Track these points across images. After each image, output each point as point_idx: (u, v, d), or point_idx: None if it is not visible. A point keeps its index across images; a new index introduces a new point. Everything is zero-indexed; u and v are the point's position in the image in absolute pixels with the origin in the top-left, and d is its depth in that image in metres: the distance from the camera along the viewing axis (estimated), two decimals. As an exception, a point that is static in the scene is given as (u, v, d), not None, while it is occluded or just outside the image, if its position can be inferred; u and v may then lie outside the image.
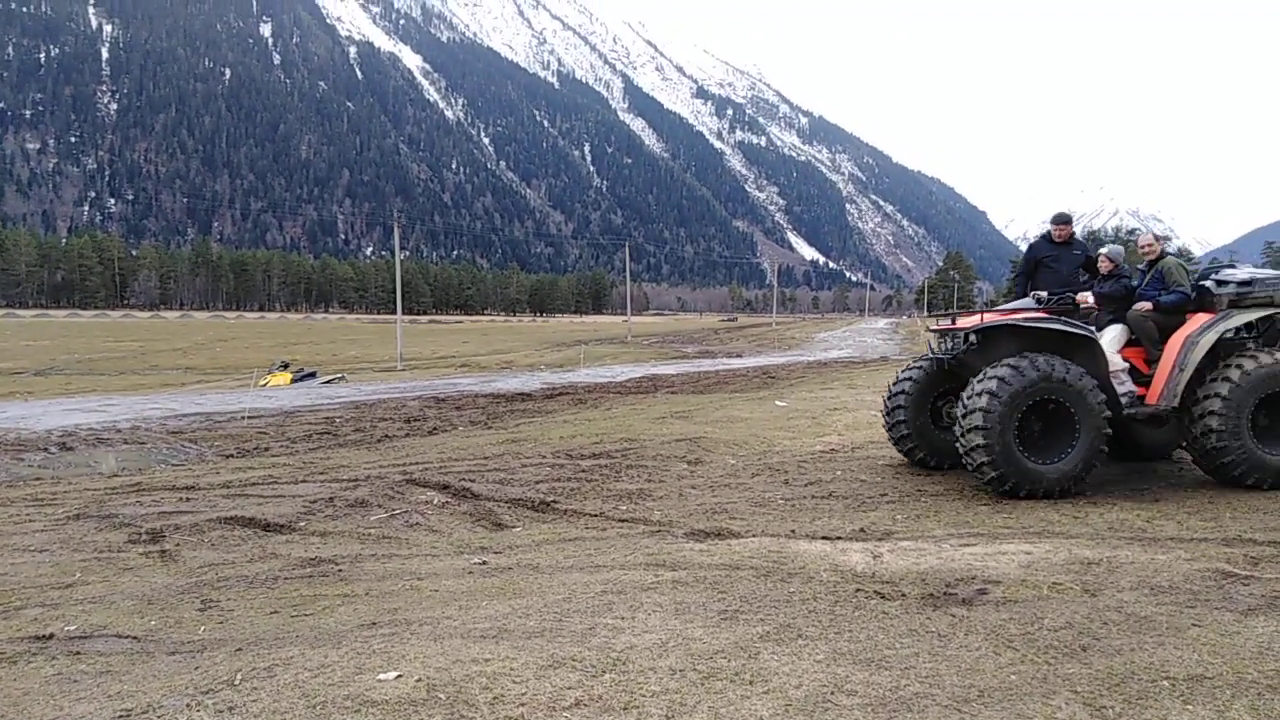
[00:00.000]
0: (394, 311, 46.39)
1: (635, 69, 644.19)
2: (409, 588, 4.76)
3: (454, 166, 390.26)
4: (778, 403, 15.32)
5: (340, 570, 5.17)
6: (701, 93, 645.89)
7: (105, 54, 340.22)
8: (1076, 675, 3.35)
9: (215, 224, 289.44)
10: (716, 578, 4.72)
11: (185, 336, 69.63)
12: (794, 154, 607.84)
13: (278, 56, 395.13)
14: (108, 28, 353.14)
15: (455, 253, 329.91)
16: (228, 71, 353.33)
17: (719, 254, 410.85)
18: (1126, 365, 7.04)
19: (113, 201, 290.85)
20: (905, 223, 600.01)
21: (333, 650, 3.72)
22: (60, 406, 16.81)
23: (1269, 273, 7.08)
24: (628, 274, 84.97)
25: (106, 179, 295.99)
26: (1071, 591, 4.39)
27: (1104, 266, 7.55)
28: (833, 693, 3.21)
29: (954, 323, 7.47)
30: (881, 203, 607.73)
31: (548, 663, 3.50)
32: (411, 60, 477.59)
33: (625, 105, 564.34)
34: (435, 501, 7.08)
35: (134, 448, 11.19)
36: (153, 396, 19.86)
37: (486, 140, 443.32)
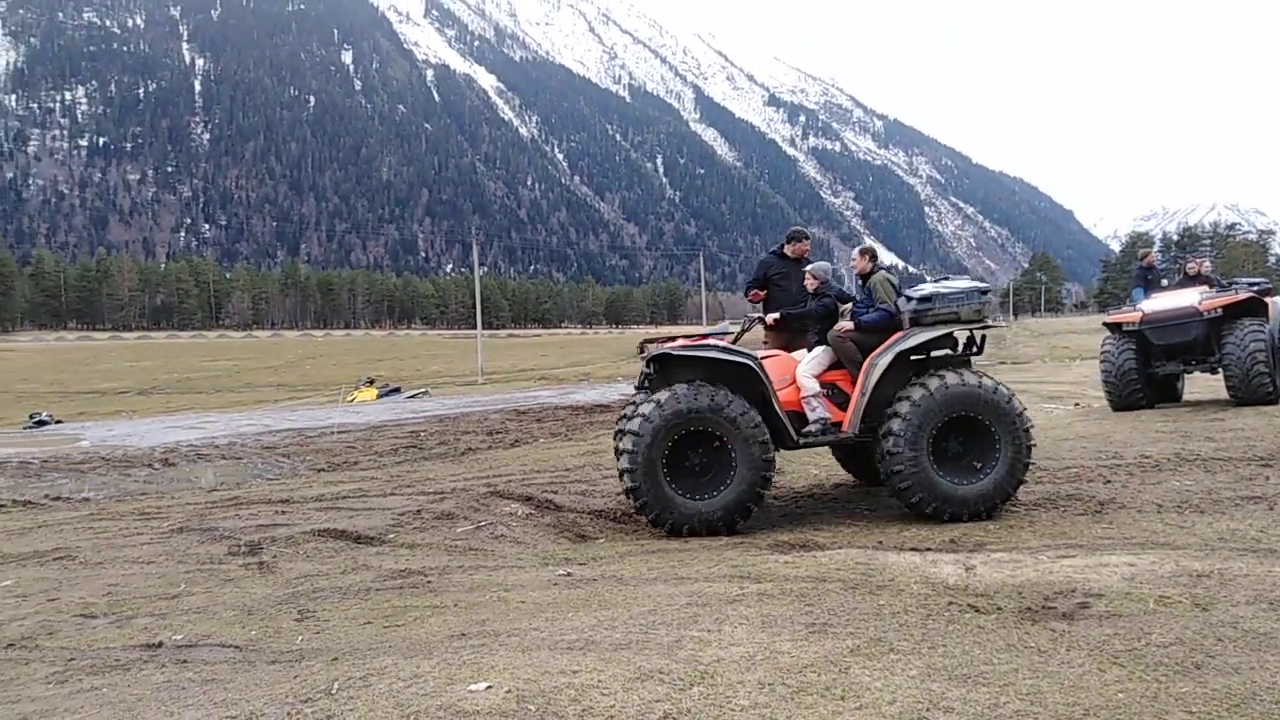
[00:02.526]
0: (474, 326, 47.35)
1: (706, 79, 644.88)
2: (496, 599, 4.82)
3: (529, 183, 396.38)
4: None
5: (429, 582, 5.27)
6: (773, 100, 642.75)
7: (198, 87, 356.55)
8: (1191, 695, 3.19)
9: (303, 246, 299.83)
10: (803, 590, 4.65)
11: (277, 355, 72.19)
12: (869, 158, 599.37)
13: (359, 82, 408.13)
14: (200, 62, 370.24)
15: (532, 267, 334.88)
16: (312, 99, 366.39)
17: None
18: (818, 390, 6.58)
19: (207, 227, 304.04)
20: (987, 224, 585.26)
21: (425, 661, 3.79)
22: (162, 424, 17.61)
23: (955, 286, 6.54)
24: (702, 283, 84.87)
25: (201, 206, 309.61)
26: (1181, 606, 4.18)
27: (810, 284, 7.15)
28: (929, 709, 3.12)
29: (641, 351, 7.02)
30: (962, 205, 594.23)
31: (635, 675, 3.49)
32: (486, 80, 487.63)
33: (697, 116, 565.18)
34: (519, 513, 7.17)
35: (231, 462, 11.64)
36: (247, 413, 20.65)
37: (560, 156, 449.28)
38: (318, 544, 6.44)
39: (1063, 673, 3.42)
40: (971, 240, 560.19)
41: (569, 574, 5.29)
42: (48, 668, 4.04)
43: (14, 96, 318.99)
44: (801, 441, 6.45)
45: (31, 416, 19.68)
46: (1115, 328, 12.70)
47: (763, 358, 6.63)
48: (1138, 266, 13.24)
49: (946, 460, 6.28)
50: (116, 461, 11.53)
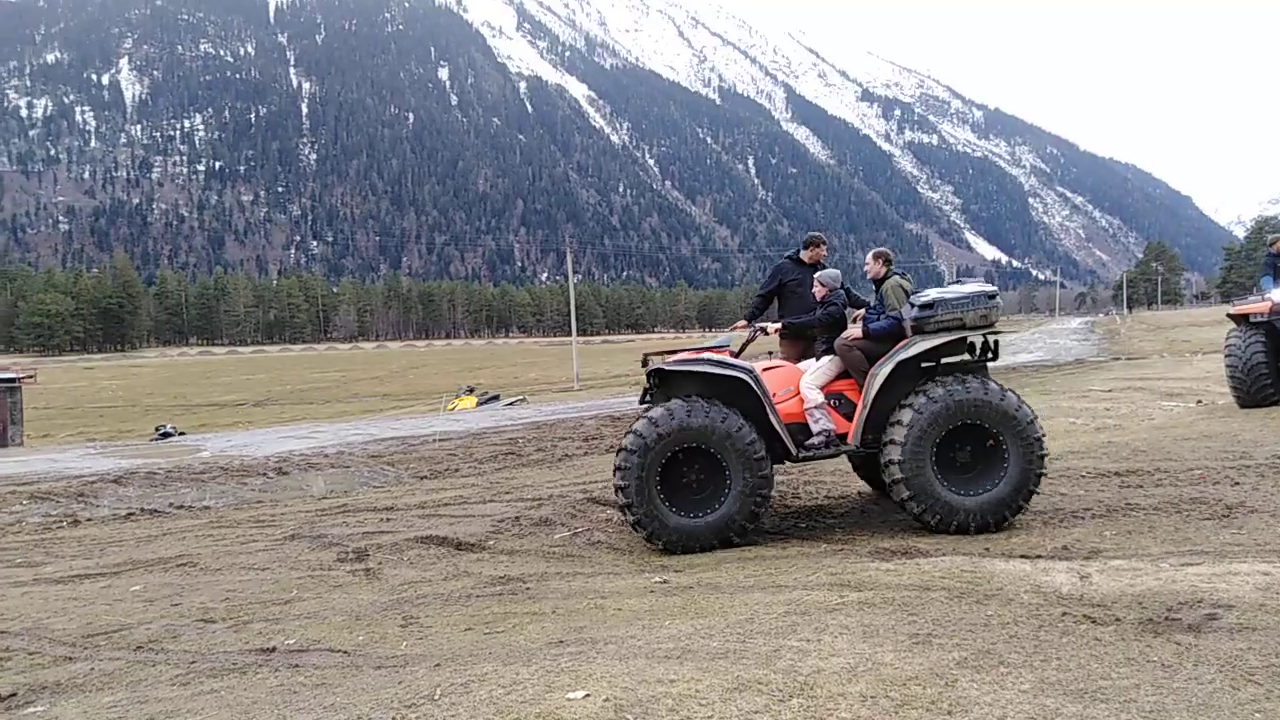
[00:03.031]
0: (569, 333, 47.94)
1: (797, 78, 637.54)
2: (594, 606, 4.84)
3: (621, 190, 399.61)
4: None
5: (528, 588, 5.33)
6: (867, 95, 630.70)
7: (305, 109, 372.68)
8: (1336, 716, 2.95)
9: (404, 259, 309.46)
10: (906, 599, 4.51)
11: (381, 365, 74.67)
12: (969, 150, 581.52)
13: (455, 97, 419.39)
14: (306, 85, 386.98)
15: (625, 273, 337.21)
16: (411, 116, 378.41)
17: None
18: (822, 401, 6.31)
19: (315, 244, 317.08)
20: (1097, 214, 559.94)
21: (524, 668, 3.83)
22: (276, 434, 18.40)
23: (959, 291, 6.17)
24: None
25: (309, 223, 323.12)
26: (1322, 618, 3.88)
27: (818, 292, 6.88)
28: (1042, 727, 2.98)
29: (644, 365, 6.76)
30: (1069, 194, 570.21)
31: (733, 685, 3.44)
32: (578, 90, 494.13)
33: (788, 115, 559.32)
34: (616, 519, 7.19)
35: (339, 471, 12.05)
36: (354, 423, 21.38)
37: (651, 161, 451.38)
38: (420, 550, 6.60)
39: (1190, 690, 3.21)
40: (1080, 231, 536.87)
41: (665, 581, 5.27)
42: (172, 669, 4.25)
43: (139, 126, 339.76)
44: (802, 455, 6.28)
45: (158, 429, 20.85)
46: (1242, 319, 11.95)
47: (766, 369, 6.51)
48: (1267, 254, 12.37)
49: (954, 470, 6.05)
50: (234, 471, 12.08)
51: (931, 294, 6.19)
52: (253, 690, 3.88)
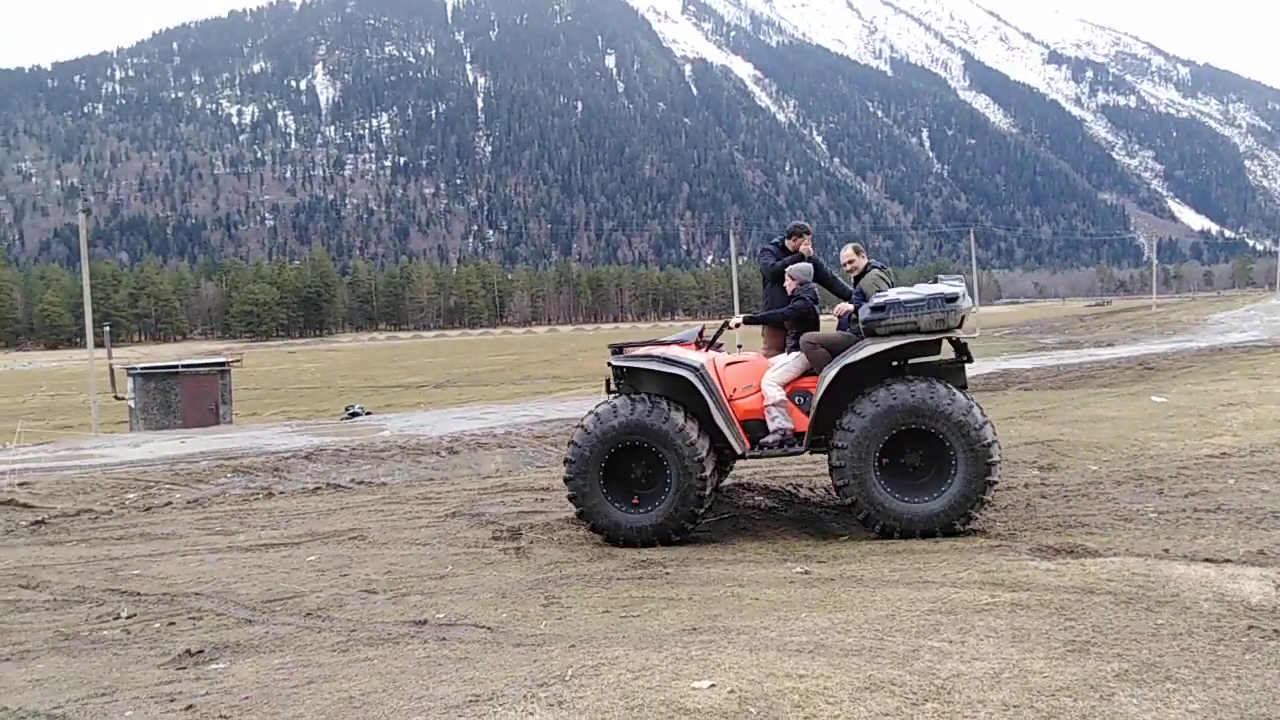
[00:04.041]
0: (734, 315, 47.71)
1: (976, 43, 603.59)
2: (730, 594, 4.80)
3: (787, 169, 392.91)
4: (1155, 398, 13.44)
5: (668, 573, 5.36)
6: (1054, 57, 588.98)
7: (480, 104, 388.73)
8: None
9: (574, 245, 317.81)
10: (1065, 602, 4.20)
11: (552, 349, 77.10)
12: (1172, 111, 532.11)
13: (621, 84, 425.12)
14: (481, 80, 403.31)
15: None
16: (580, 105, 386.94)
17: (1082, 232, 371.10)
18: (782, 398, 6.14)
19: (491, 233, 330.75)
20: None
21: (654, 653, 3.84)
22: (451, 415, 19.37)
23: (915, 293, 5.86)
24: (973, 262, 79.76)
25: (485, 213, 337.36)
26: None
27: (789, 286, 6.66)
28: (1208, 752, 2.70)
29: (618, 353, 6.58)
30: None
31: (865, 685, 3.32)
32: (743, 69, 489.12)
33: (966, 83, 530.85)
34: (763, 506, 7.11)
35: (506, 451, 12.55)
36: (524, 404, 22.19)
37: (819, 139, 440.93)
38: (570, 531, 6.77)
39: (1395, 723, 2.82)
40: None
41: (806, 572, 5.15)
42: (334, 636, 4.57)
43: (333, 127, 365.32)
44: (751, 453, 6.14)
45: (347, 409, 22.37)
46: None
47: (730, 363, 6.42)
48: None
49: (904, 475, 5.85)
50: (410, 449, 12.80)
51: (891, 295, 5.95)
52: (402, 660, 4.11)
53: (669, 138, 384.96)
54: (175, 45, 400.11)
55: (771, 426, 6.14)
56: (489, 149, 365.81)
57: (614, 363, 6.50)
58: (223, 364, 22.81)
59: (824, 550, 5.72)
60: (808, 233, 7.31)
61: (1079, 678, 3.31)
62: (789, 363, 6.32)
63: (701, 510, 6.12)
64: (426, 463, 11.92)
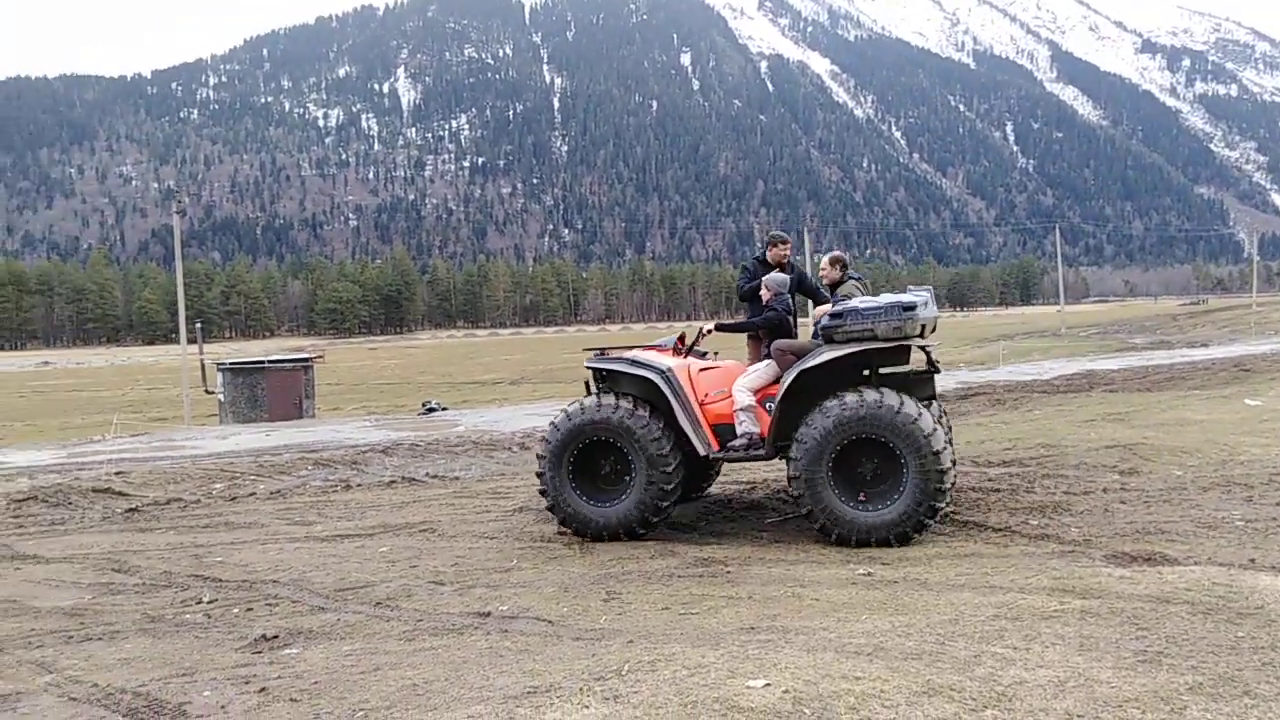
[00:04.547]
0: (807, 314, 47.23)
1: (1064, 33, 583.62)
2: (791, 594, 4.77)
3: (865, 165, 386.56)
4: (1249, 401, 12.85)
5: (729, 572, 5.36)
6: (1148, 46, 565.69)
7: (556, 104, 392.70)
8: None
9: (648, 244, 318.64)
10: (1138, 611, 4.07)
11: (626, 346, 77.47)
12: (1278, 99, 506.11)
13: (696, 82, 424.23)
14: (558, 80, 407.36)
15: (869, 251, 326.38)
16: (654, 103, 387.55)
17: (1177, 228, 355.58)
18: (751, 404, 6.26)
19: (566, 232, 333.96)
20: None
21: (711, 651, 3.86)
22: (524, 411, 19.62)
23: (872, 302, 5.98)
24: (1059, 259, 77.42)
25: (561, 212, 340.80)
26: None
27: (764, 296, 6.81)
28: (1283, 772, 2.59)
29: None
30: None
31: (923, 689, 3.28)
32: (820, 65, 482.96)
33: (1053, 75, 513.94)
34: (829, 507, 7.02)
35: (574, 448, 12.66)
36: (594, 402, 22.31)
37: (898, 134, 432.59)
38: (634, 528, 6.81)
39: None
40: None
41: (869, 574, 5.09)
42: (402, 625, 4.70)
43: (414, 129, 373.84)
44: (715, 454, 6.29)
45: (424, 404, 22.84)
46: None
47: (702, 369, 6.61)
48: None
49: (859, 484, 5.91)
50: (483, 445, 13.03)
51: (850, 303, 6.09)
52: (465, 650, 4.20)
53: (744, 135, 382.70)
54: (265, 51, 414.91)
55: (739, 430, 6.29)
56: (565, 148, 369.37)
57: (589, 365, 6.81)
58: (306, 360, 23.55)
59: (888, 552, 5.64)
60: (785, 242, 7.45)
61: (1149, 689, 3.20)
62: (760, 369, 6.49)
63: (665, 505, 6.31)
64: (498, 458, 12.12)
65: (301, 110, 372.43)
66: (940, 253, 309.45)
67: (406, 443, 13.56)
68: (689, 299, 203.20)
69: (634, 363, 6.51)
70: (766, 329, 6.71)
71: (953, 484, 5.94)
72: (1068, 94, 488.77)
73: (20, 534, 7.95)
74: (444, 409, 22.31)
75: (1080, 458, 8.53)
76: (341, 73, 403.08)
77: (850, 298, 6.49)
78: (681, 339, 6.97)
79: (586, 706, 3.31)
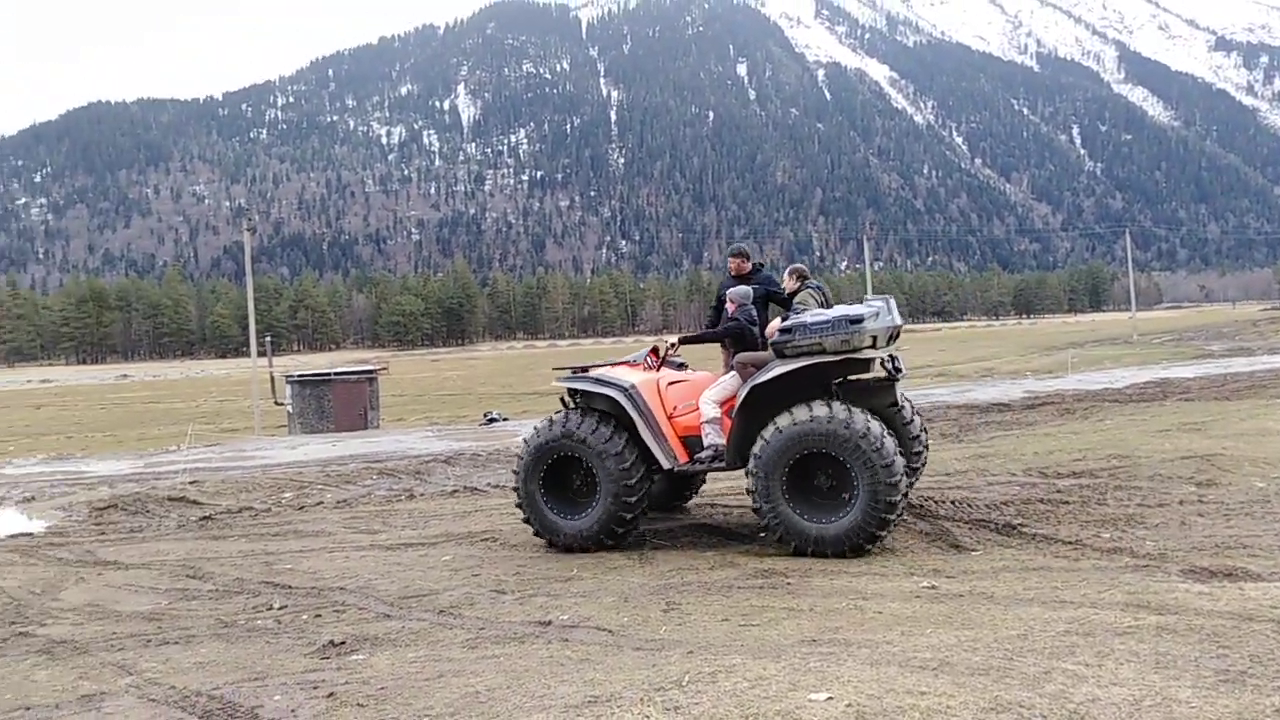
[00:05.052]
0: (867, 323, 46.68)
1: (1132, 33, 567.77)
2: (853, 607, 4.71)
3: (925, 171, 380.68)
4: (1335, 410, 12.29)
5: (789, 583, 5.31)
6: (1222, 44, 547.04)
7: (613, 116, 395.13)
8: None
9: (705, 254, 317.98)
10: (1218, 628, 3.92)
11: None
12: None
13: (753, 92, 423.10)
14: (614, 93, 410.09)
15: (930, 259, 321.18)
16: (711, 114, 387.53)
17: (1256, 230, 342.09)
18: (716, 416, 6.42)
19: (623, 243, 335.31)
20: None
21: (772, 663, 3.83)
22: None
23: (820, 316, 6.07)
24: (1130, 264, 75.23)
25: (618, 224, 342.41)
26: None
27: (728, 308, 7.03)
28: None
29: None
30: None
31: (990, 706, 3.20)
32: (878, 71, 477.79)
33: (1121, 75, 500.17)
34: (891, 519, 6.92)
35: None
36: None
37: (959, 139, 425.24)
38: (694, 538, 6.81)
39: None
40: None
41: (933, 587, 5.00)
42: (465, 633, 4.76)
43: (474, 144, 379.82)
44: (680, 467, 6.45)
45: (485, 415, 23.13)
46: None
47: (671, 382, 6.78)
48: None
49: (815, 495, 6.03)
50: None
51: (803, 317, 6.15)
52: (526, 659, 4.24)
53: (801, 144, 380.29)
54: (330, 72, 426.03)
55: (705, 442, 6.45)
56: (622, 160, 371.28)
57: (556, 383, 7.09)
58: (371, 372, 24.04)
59: (953, 565, 5.53)
60: (742, 255, 7.66)
61: (1231, 710, 3.09)
62: (725, 381, 6.60)
63: (630, 516, 6.46)
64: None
65: (365, 128, 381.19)
66: (1005, 259, 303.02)
67: (468, 453, 13.74)
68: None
69: (598, 381, 6.72)
70: (734, 339, 6.91)
71: (904, 495, 5.97)
72: (1137, 95, 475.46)
73: (101, 540, 8.25)
74: (505, 419, 22.55)
75: (1155, 469, 8.27)
76: (403, 91, 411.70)
77: (806, 307, 6.63)
78: (654, 352, 7.17)
79: (647, 717, 3.31)
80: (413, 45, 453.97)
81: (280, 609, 5.47)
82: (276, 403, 24.43)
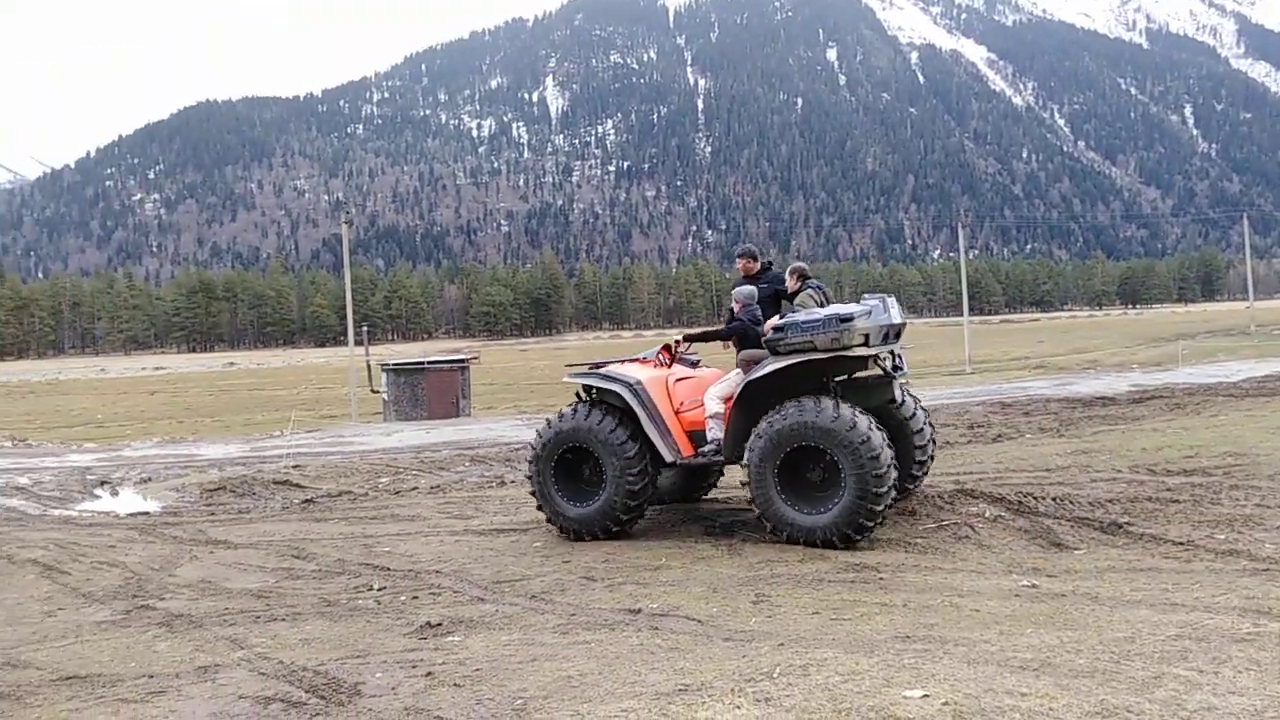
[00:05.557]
0: (962, 313, 45.51)
1: (1253, 4, 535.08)
2: (948, 604, 4.60)
3: (1024, 155, 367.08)
4: None
5: (881, 578, 5.22)
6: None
7: (700, 105, 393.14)
8: None
9: (793, 243, 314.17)
10: (1348, 637, 3.69)
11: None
12: None
13: (843, 77, 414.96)
14: (701, 82, 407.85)
15: (1029, 246, 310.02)
16: (799, 100, 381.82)
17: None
18: (720, 411, 6.63)
19: (709, 233, 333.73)
20: None
21: (865, 658, 3.78)
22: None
23: (813, 315, 6.24)
24: (1247, 250, 71.11)
25: (704, 214, 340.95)
26: None
27: (735, 308, 7.25)
28: None
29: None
30: None
31: (1095, 709, 3.09)
32: (975, 53, 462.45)
33: (1239, 50, 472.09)
34: (987, 514, 6.73)
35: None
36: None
37: (1061, 121, 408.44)
38: (782, 531, 6.74)
39: None
40: None
41: (1034, 586, 4.84)
42: (556, 619, 4.84)
43: (562, 136, 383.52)
44: (683, 460, 6.63)
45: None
46: None
47: (679, 379, 7.03)
48: None
49: (807, 488, 6.19)
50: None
51: (796, 316, 6.31)
52: (617, 646, 4.28)
53: (893, 129, 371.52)
54: (424, 67, 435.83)
55: (709, 436, 6.67)
56: (708, 149, 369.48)
57: (568, 379, 7.37)
58: (463, 361, 24.61)
59: (1055, 564, 5.35)
60: (750, 255, 7.87)
61: (1362, 724, 2.90)
62: (730, 378, 6.79)
63: (634, 505, 6.71)
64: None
65: (456, 121, 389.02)
66: (1109, 246, 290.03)
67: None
68: (837, 296, 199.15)
69: (606, 377, 7.01)
70: (739, 337, 7.07)
71: (890, 488, 6.02)
72: (1258, 70, 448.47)
73: (212, 520, 8.68)
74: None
75: (1274, 468, 7.82)
76: (493, 84, 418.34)
77: (804, 306, 6.76)
78: (666, 349, 7.45)
79: (738, 707, 3.31)
80: (502, 38, 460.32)
81: (380, 590, 5.66)
82: (373, 390, 25.23)
